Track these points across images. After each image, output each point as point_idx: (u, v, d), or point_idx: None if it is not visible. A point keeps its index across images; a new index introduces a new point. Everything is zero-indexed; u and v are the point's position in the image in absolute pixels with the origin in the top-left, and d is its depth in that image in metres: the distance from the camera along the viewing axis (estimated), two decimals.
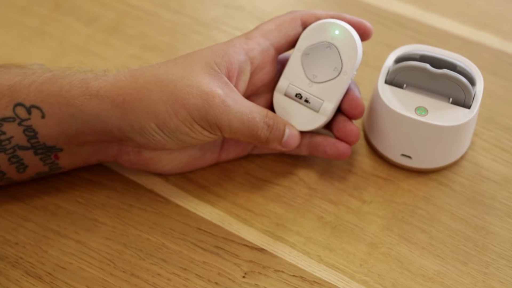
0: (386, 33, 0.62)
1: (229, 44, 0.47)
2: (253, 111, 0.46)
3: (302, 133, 0.50)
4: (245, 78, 0.47)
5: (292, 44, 0.49)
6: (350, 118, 0.49)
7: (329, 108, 0.48)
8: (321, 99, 0.48)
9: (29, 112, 0.44)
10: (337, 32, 0.48)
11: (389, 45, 0.61)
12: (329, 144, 0.49)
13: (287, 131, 0.48)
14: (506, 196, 0.50)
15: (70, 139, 0.45)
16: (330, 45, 0.48)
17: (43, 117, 0.44)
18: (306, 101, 0.49)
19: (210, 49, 0.46)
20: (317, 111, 0.48)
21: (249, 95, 0.50)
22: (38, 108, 0.44)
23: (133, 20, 0.63)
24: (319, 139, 0.50)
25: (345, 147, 0.49)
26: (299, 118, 0.49)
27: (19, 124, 0.44)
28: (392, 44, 0.61)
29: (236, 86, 0.47)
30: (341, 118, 0.49)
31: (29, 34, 0.62)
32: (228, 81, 0.45)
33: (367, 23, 0.49)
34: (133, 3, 0.64)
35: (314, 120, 0.49)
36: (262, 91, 0.50)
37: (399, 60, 0.50)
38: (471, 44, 0.61)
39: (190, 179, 0.51)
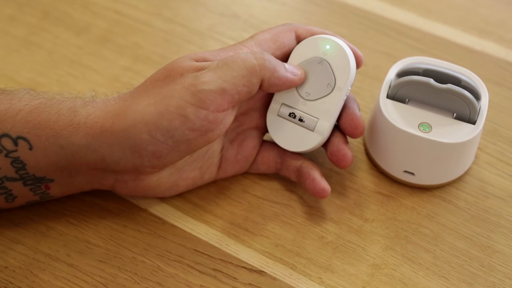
0: (386, 42, 0.60)
1: (222, 49, 0.45)
2: (236, 54, 0.43)
3: (295, 154, 0.48)
4: None
5: (287, 56, 0.47)
6: (350, 137, 0.47)
7: (325, 126, 0.46)
8: (316, 117, 0.46)
9: (15, 144, 0.42)
10: (328, 46, 0.46)
11: (389, 55, 0.59)
12: (309, 178, 0.47)
13: (284, 63, 0.45)
14: None
15: (61, 170, 0.43)
16: (321, 61, 0.46)
17: (30, 148, 0.42)
18: (301, 120, 0.47)
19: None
20: (312, 130, 0.47)
21: (245, 110, 0.48)
22: (25, 139, 0.42)
23: (125, 29, 0.61)
24: (306, 168, 0.47)
25: (320, 188, 0.46)
26: (295, 139, 0.47)
27: (6, 156, 0.42)
28: (392, 53, 0.59)
29: None
30: (337, 139, 0.47)
31: (17, 44, 0.60)
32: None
33: (358, 51, 0.47)
34: (125, 12, 0.62)
35: (310, 140, 0.47)
36: (258, 106, 0.49)
37: (401, 73, 0.48)
38: (474, 53, 0.59)
39: (186, 198, 0.49)
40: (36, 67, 0.58)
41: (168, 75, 0.42)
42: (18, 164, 0.42)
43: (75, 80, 0.57)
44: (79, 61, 0.58)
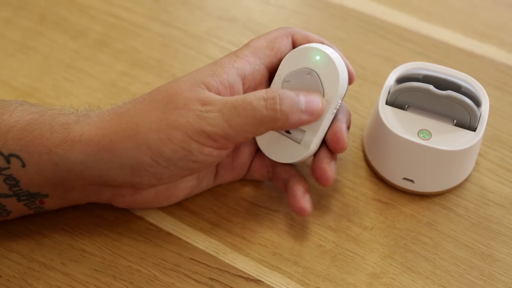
0: (385, 45, 0.59)
1: (217, 64, 0.44)
2: (247, 98, 0.41)
3: (286, 165, 0.47)
4: None
5: None
6: (333, 151, 0.46)
7: (311, 140, 0.45)
8: (303, 130, 0.45)
9: (8, 161, 0.41)
10: (318, 57, 0.44)
11: (388, 59, 0.58)
12: (291, 194, 0.46)
13: (301, 98, 0.42)
14: None
15: (56, 186, 0.43)
16: (310, 72, 0.44)
17: (23, 166, 0.41)
18: (287, 131, 0.45)
19: (197, 71, 0.43)
20: (299, 142, 0.45)
21: None
22: (17, 157, 0.41)
23: (122, 33, 0.60)
24: (292, 183, 0.46)
25: (298, 208, 0.45)
26: (282, 150, 0.46)
27: None
28: (391, 57, 0.58)
29: None
30: (322, 155, 0.45)
31: (13, 49, 0.59)
32: (216, 94, 0.42)
33: (351, 68, 0.45)
34: (122, 15, 0.62)
35: (296, 153, 0.45)
36: None
37: (400, 79, 0.48)
38: (475, 58, 0.58)
39: (182, 205, 0.49)
40: (32, 72, 0.57)
41: (170, 101, 0.41)
42: (11, 181, 0.42)
43: (71, 85, 0.56)
44: (75, 65, 0.58)
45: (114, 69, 0.58)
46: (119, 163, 0.41)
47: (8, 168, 0.41)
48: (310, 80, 0.44)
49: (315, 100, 0.43)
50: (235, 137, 0.41)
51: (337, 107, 0.45)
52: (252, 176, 0.49)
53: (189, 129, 0.40)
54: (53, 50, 0.59)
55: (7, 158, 0.41)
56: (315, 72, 0.44)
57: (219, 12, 0.63)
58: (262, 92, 0.41)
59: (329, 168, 0.45)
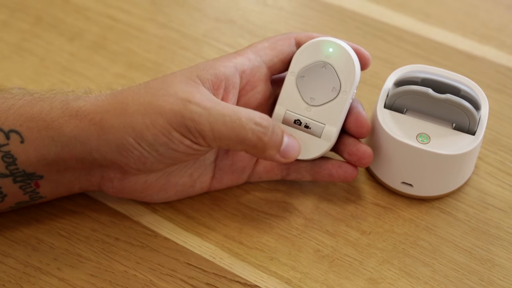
0: (384, 47, 0.59)
1: (216, 59, 0.45)
2: (239, 112, 0.42)
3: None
4: (234, 91, 0.45)
5: (286, 63, 0.47)
6: (356, 137, 0.47)
7: (332, 132, 0.45)
8: (322, 123, 0.46)
9: (7, 137, 0.42)
10: (331, 49, 0.45)
11: (387, 61, 0.58)
12: (335, 166, 0.47)
13: (285, 139, 0.43)
14: None
15: (50, 165, 0.43)
16: (325, 65, 0.45)
17: (22, 142, 0.42)
18: (306, 127, 0.46)
19: (196, 65, 0.44)
20: (319, 136, 0.46)
21: None
22: (17, 132, 0.42)
23: (118, 35, 0.60)
24: (322, 161, 0.47)
25: (352, 169, 0.47)
26: (302, 146, 0.46)
27: None
28: (390, 59, 0.58)
29: (224, 99, 0.44)
30: (350, 140, 0.47)
31: (9, 51, 0.59)
32: (209, 91, 0.43)
33: (365, 51, 0.46)
34: (119, 17, 0.61)
35: (317, 147, 0.46)
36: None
37: (399, 82, 0.47)
38: (474, 59, 0.58)
39: (179, 209, 0.48)
40: (28, 74, 0.57)
41: (162, 87, 0.42)
42: (8, 158, 0.42)
43: (68, 87, 0.56)
44: (71, 68, 0.58)
45: (110, 72, 0.57)
46: (107, 140, 0.42)
47: (7, 144, 0.42)
48: (325, 73, 0.45)
49: (295, 147, 0.44)
50: (212, 141, 0.42)
51: (353, 96, 0.46)
52: (260, 177, 0.49)
53: (172, 117, 0.41)
54: (49, 52, 0.59)
55: (7, 134, 0.42)
56: (330, 64, 0.45)
57: (216, 13, 0.62)
58: (255, 115, 0.42)
59: (365, 145, 0.46)
